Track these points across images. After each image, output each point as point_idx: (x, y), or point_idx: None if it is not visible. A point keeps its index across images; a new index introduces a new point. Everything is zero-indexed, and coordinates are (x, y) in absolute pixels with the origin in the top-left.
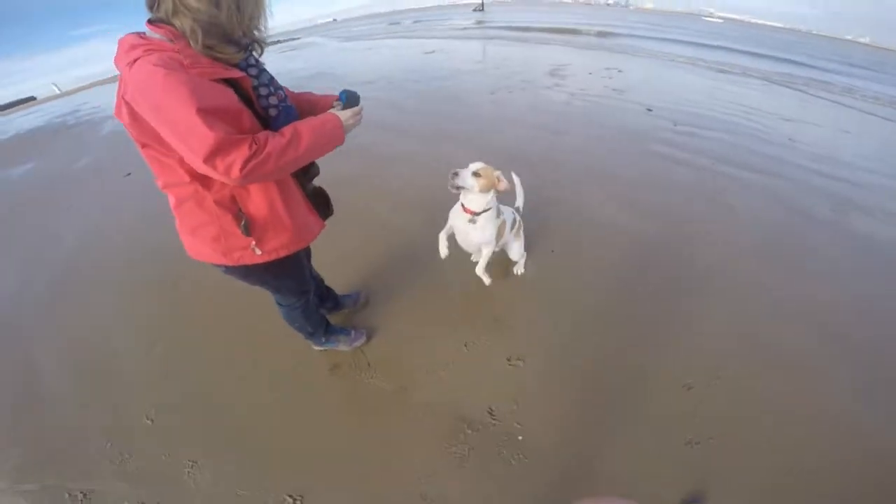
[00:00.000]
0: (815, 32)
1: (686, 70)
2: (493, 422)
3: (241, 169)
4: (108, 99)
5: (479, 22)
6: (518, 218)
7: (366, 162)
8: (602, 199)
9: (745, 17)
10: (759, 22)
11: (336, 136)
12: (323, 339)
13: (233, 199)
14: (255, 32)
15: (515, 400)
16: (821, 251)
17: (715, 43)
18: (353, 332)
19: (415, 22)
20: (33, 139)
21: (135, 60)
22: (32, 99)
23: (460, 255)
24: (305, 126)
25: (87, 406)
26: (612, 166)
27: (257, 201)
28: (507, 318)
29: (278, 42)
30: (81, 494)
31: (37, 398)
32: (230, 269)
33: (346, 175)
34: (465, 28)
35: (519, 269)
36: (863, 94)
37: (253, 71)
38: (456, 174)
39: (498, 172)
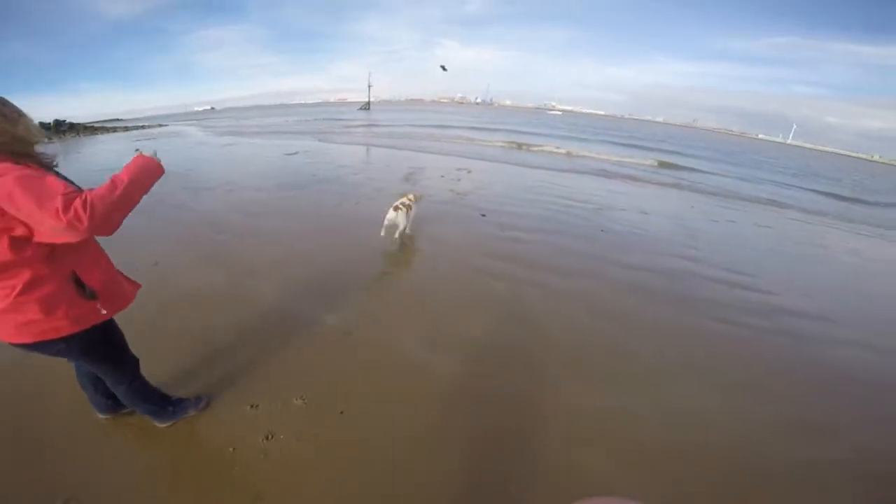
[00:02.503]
0: (627, 117)
1: (525, 166)
2: None
3: (82, 213)
4: None
5: (357, 121)
6: None
7: (148, 291)
8: (407, 332)
9: (578, 108)
10: (588, 111)
11: (155, 168)
12: (171, 410)
13: (72, 272)
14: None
15: None
16: (627, 356)
17: (554, 133)
18: (194, 399)
19: (286, 120)
20: None
21: None
22: None
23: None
24: (123, 172)
25: None
26: (429, 291)
27: (93, 272)
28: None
29: (142, 128)
30: None
31: None
32: (72, 342)
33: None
34: (339, 129)
35: None
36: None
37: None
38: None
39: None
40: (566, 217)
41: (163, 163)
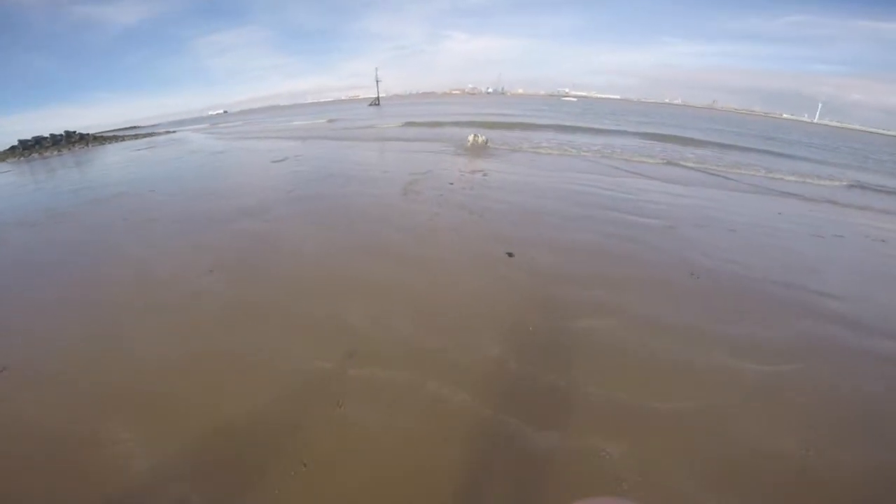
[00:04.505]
0: (642, 100)
1: (549, 167)
2: None
3: None
4: None
5: (363, 119)
6: None
7: None
8: None
9: (592, 94)
10: (603, 96)
11: None
12: None
13: None
14: None
15: None
16: None
17: (573, 122)
18: None
19: (291, 122)
20: None
21: None
22: None
23: None
24: None
25: None
26: (400, 475)
27: None
28: None
29: (150, 136)
30: None
31: None
32: None
33: None
34: (343, 129)
35: None
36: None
37: None
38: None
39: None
40: (634, 246)
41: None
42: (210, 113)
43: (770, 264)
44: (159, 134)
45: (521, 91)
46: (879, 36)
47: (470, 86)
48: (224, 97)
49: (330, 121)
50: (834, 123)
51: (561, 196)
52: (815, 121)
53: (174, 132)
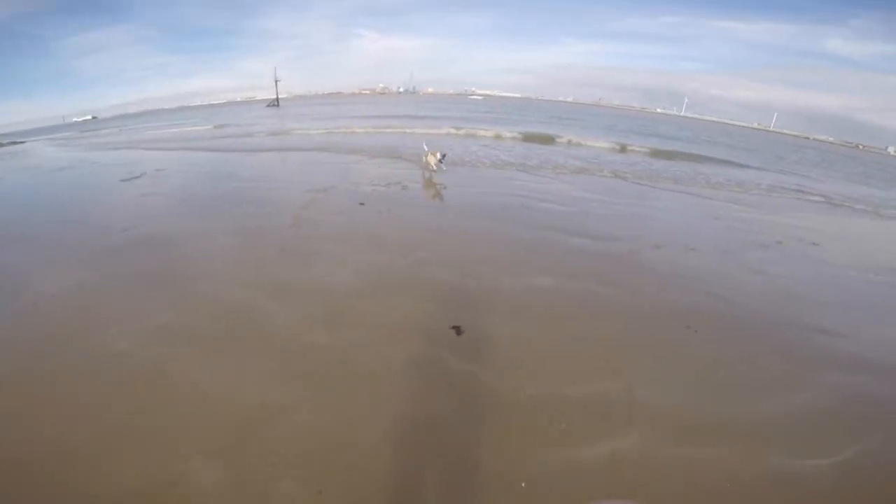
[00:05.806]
0: (540, 98)
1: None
2: None
3: None
4: None
5: (257, 124)
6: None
7: None
8: None
9: (496, 92)
10: (505, 94)
11: None
12: None
13: None
14: None
15: None
16: None
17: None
18: None
19: (170, 128)
20: None
21: None
22: None
23: None
24: None
25: None
26: None
27: None
28: None
29: None
30: None
31: None
32: None
33: None
34: (231, 134)
35: None
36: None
37: None
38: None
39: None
40: (609, 292)
41: None
42: (75, 120)
43: (750, 294)
44: (2, 145)
45: (431, 90)
46: (732, 35)
47: (381, 85)
48: (95, 102)
49: (217, 126)
50: (697, 116)
51: (497, 214)
52: (682, 114)
53: (22, 143)
